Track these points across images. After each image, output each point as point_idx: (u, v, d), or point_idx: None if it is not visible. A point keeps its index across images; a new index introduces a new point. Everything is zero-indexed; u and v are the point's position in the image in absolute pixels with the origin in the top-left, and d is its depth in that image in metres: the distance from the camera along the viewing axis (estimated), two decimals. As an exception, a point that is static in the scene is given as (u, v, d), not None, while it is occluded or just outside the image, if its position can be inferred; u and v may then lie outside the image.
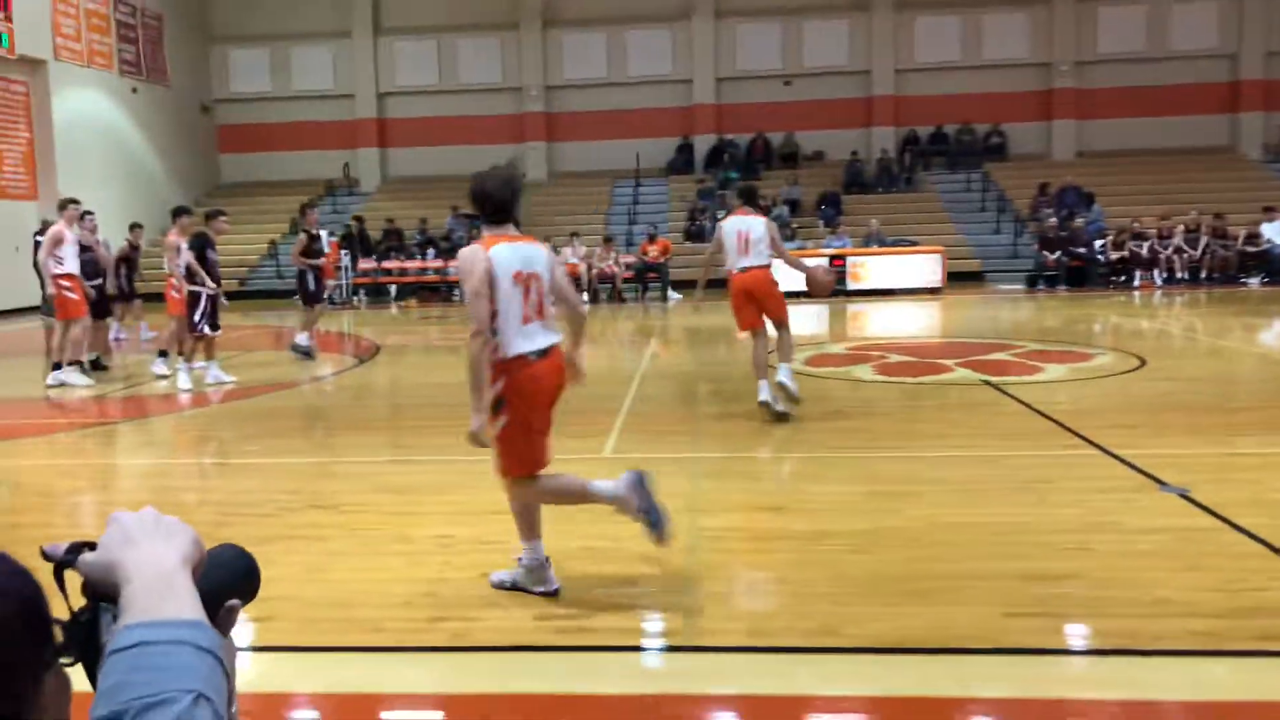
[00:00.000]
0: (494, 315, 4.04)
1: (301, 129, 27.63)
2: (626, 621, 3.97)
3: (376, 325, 17.13)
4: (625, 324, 16.83)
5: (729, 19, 26.57)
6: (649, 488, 4.18)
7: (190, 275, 10.43)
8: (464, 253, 4.21)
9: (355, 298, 21.63)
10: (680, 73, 26.87)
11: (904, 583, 4.25)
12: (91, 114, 22.47)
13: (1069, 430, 7.05)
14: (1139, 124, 25.68)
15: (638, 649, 3.81)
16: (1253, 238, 20.04)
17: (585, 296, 20.40)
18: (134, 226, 14.62)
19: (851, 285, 19.65)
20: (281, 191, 26.08)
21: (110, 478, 7.22)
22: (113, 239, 14.98)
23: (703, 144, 26.70)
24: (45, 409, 9.87)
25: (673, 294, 20.33)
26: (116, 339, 14.10)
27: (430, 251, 22.80)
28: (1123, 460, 6.12)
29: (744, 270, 7.80)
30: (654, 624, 4.01)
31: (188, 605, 0.82)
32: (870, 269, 19.94)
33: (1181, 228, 20.35)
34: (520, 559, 4.27)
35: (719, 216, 23.47)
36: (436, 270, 22.52)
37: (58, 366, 10.79)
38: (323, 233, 15.15)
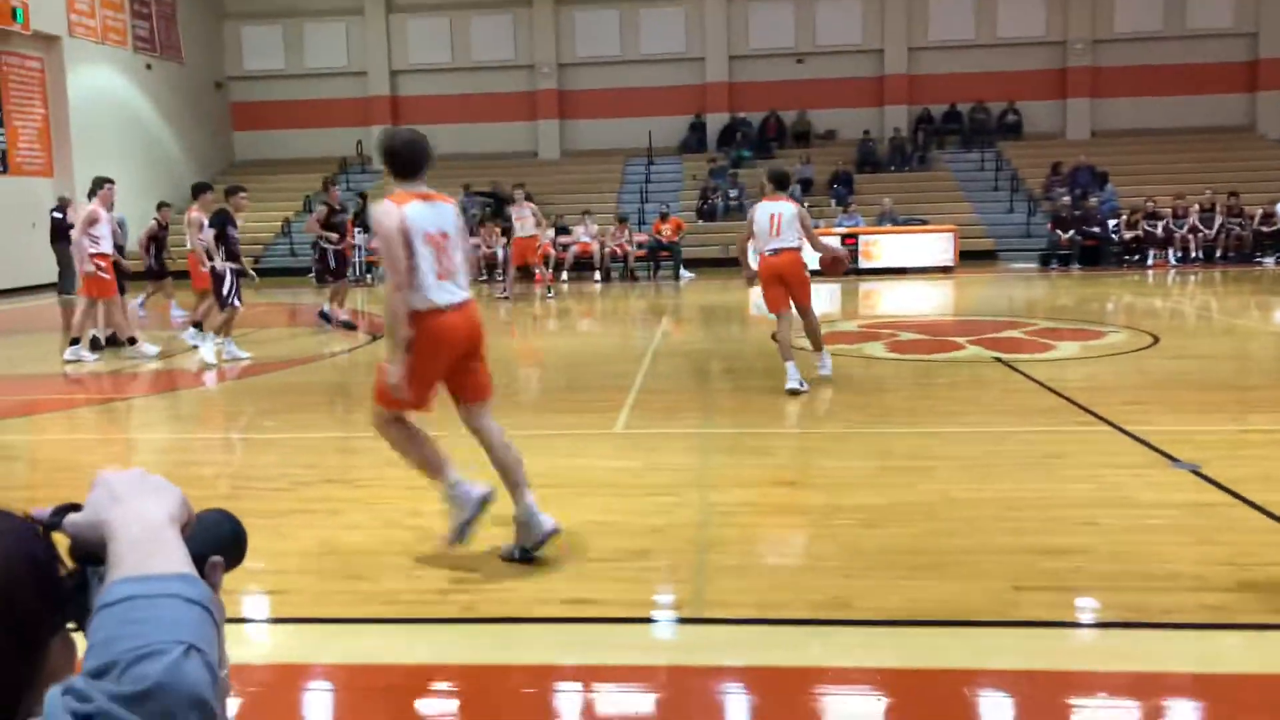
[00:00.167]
0: (411, 270, 4.09)
1: (315, 106, 27.62)
2: (636, 594, 3.99)
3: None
4: (638, 302, 16.83)
5: (742, -4, 26.42)
6: (480, 514, 4.28)
7: (207, 253, 10.48)
8: (377, 209, 4.23)
9: (369, 275, 21.67)
10: (693, 50, 26.74)
11: (915, 556, 4.27)
12: (106, 90, 22.50)
13: (1080, 407, 7.04)
14: (1154, 103, 25.45)
15: (648, 621, 3.84)
16: (1269, 217, 19.88)
17: (598, 275, 20.40)
18: (161, 205, 14.65)
19: (864, 264, 19.59)
20: (295, 169, 26.11)
21: (127, 452, 7.28)
22: (127, 216, 15.03)
23: (715, 122, 26.58)
24: (63, 384, 9.95)
25: (685, 273, 20.30)
26: (141, 317, 14.25)
27: (442, 230, 22.79)
28: (1134, 437, 6.11)
29: (775, 253, 7.99)
30: (664, 596, 4.04)
31: (176, 559, 0.81)
32: (882, 248, 19.88)
33: (1196, 207, 20.21)
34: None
35: (731, 195, 23.49)
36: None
37: (75, 342, 10.90)
38: (348, 208, 15.38)
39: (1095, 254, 20.03)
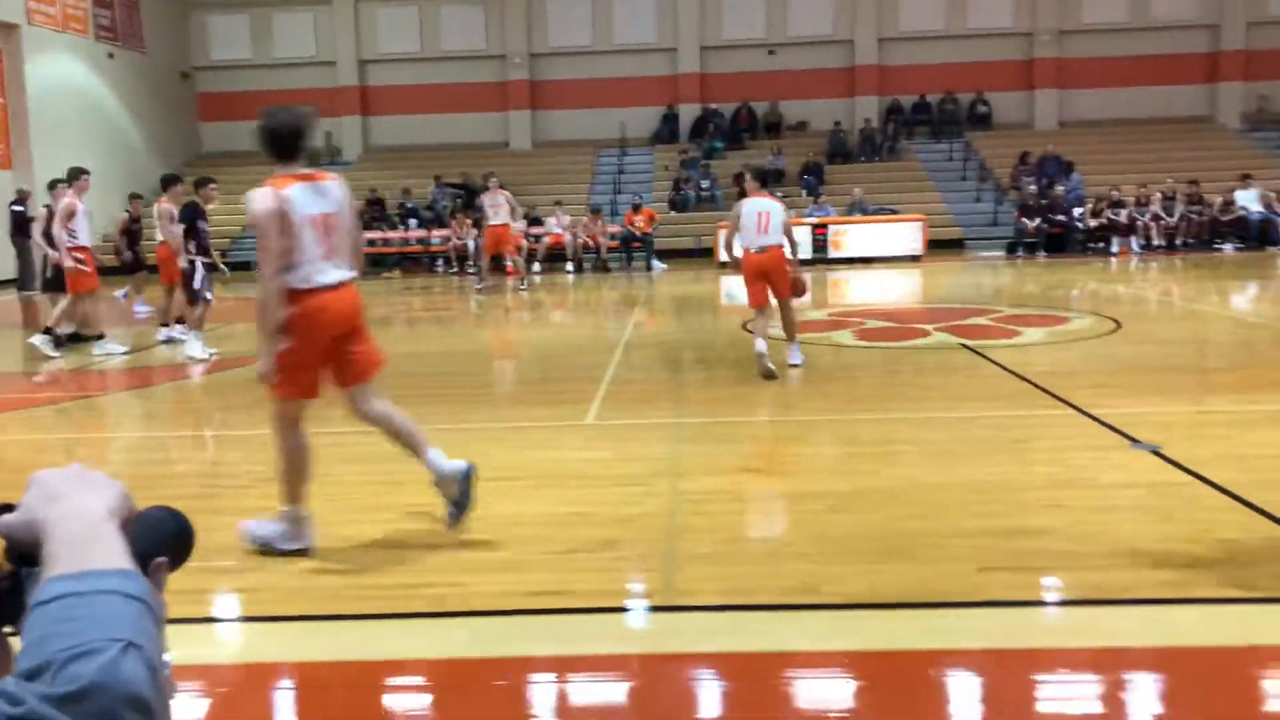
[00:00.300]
0: (290, 252, 4.05)
1: (283, 97, 27.07)
2: (607, 583, 4.01)
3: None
4: (610, 294, 16.84)
5: (713, -13, 26.42)
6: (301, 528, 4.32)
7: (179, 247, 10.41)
8: (254, 194, 4.17)
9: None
10: (665, 41, 26.71)
11: (882, 540, 4.32)
12: (67, 80, 22.17)
13: (1045, 391, 7.13)
14: (1120, 94, 25.71)
15: (619, 610, 3.86)
16: (1228, 205, 20.18)
17: (570, 266, 20.37)
18: (133, 197, 14.46)
19: (833, 254, 19.71)
20: (263, 161, 25.62)
21: (89, 450, 7.21)
22: (92, 208, 14.82)
23: (687, 113, 26.58)
24: (26, 383, 9.83)
25: (657, 264, 20.32)
26: (137, 310, 14.19)
27: (413, 221, 22.70)
28: (1097, 420, 6.20)
29: (762, 250, 8.19)
30: (635, 585, 4.06)
31: (114, 554, 0.79)
32: (851, 237, 19.99)
33: (1158, 195, 20.48)
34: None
35: (704, 186, 23.52)
36: (420, 240, 22.45)
37: (101, 337, 10.92)
38: None
39: (1061, 242, 20.26)
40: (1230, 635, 3.44)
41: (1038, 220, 20.30)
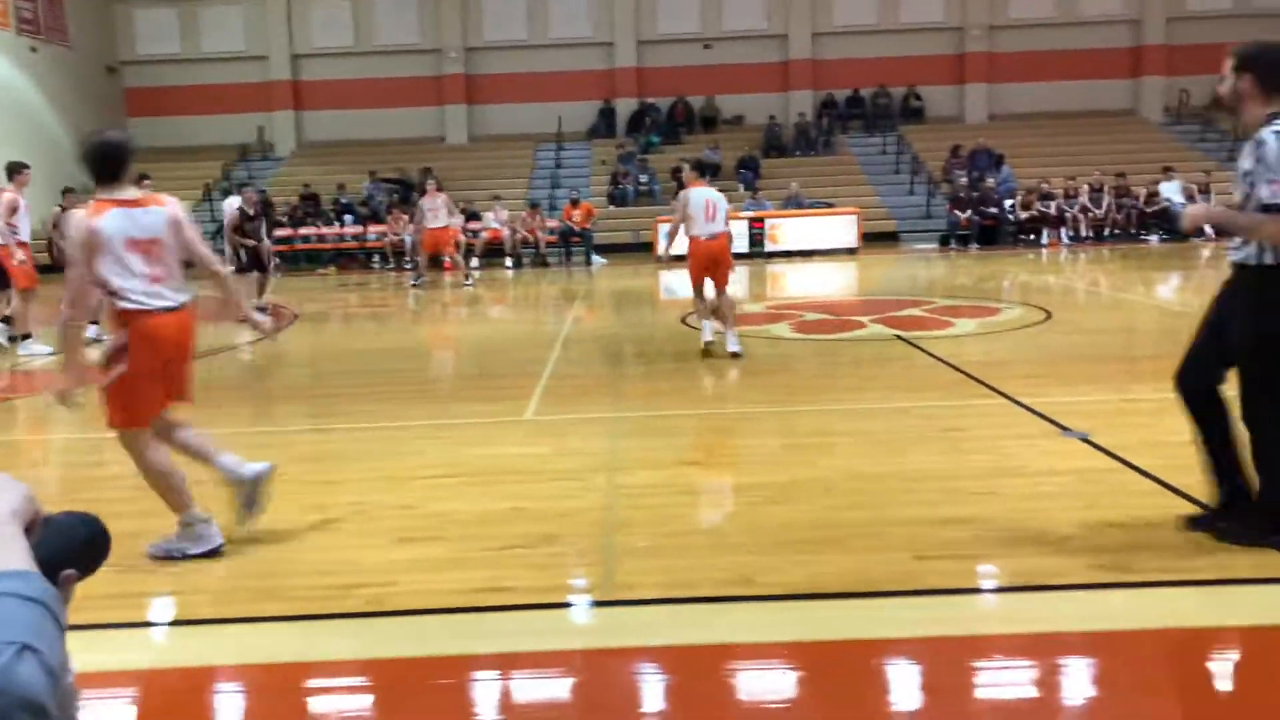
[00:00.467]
0: (107, 281, 4.08)
1: (213, 92, 26.76)
2: (547, 579, 3.98)
3: (294, 293, 16.79)
4: (549, 289, 16.77)
5: (648, -20, 26.42)
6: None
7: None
8: (71, 219, 4.26)
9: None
10: (601, 35, 26.66)
11: (818, 530, 4.35)
12: (-18, 73, 21.48)
13: (978, 381, 7.25)
14: (1047, 88, 26.23)
15: (559, 605, 3.84)
16: (1152, 197, 20.71)
17: (509, 261, 20.23)
18: (66, 191, 14.01)
19: (770, 247, 19.85)
20: (194, 157, 25.29)
21: (10, 454, 6.99)
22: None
23: (625, 108, 26.57)
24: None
25: (596, 259, 20.28)
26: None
27: (348, 218, 22.39)
28: (1029, 408, 6.32)
29: (712, 236, 8.63)
30: (574, 580, 4.04)
31: (12, 556, 0.77)
32: (788, 231, 20.15)
33: (1086, 187, 20.96)
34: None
35: (642, 180, 23.52)
36: (355, 237, 22.15)
37: (27, 337, 10.65)
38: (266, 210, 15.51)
39: (992, 234, 20.63)
40: (1158, 618, 3.53)
41: (969, 212, 20.65)
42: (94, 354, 4.61)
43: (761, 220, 20.03)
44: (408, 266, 18.32)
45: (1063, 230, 20.56)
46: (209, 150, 25.44)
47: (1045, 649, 3.33)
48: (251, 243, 13.44)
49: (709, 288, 8.79)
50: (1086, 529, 4.21)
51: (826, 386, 7.69)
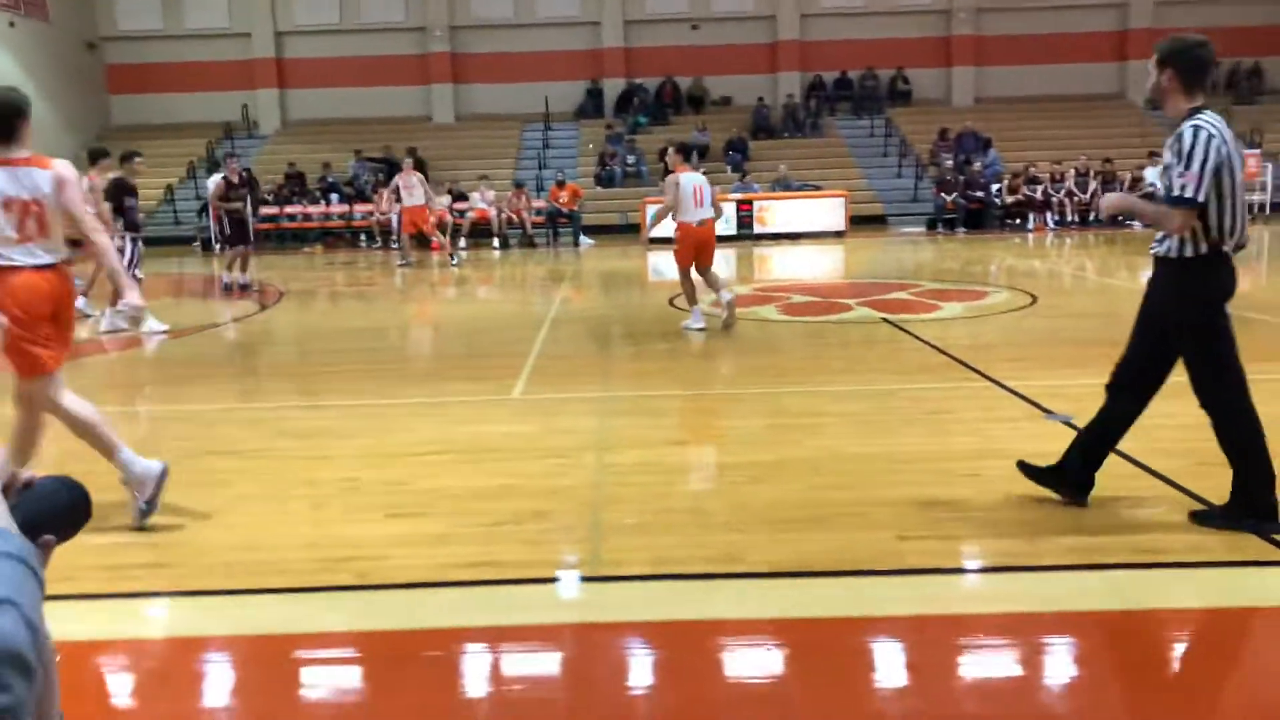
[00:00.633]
0: None
1: (196, 69, 26.53)
2: (535, 555, 4.02)
3: (280, 271, 16.73)
4: (536, 270, 16.75)
5: (636, -40, 26.29)
6: (162, 485, 4.38)
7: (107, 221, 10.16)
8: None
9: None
10: (589, 15, 26.54)
11: (804, 510, 4.40)
12: (-39, 49, 21.24)
13: (964, 364, 7.31)
14: (1034, 71, 26.28)
15: (547, 581, 3.88)
16: (1137, 181, 20.80)
17: (496, 242, 20.20)
18: None
19: (758, 229, 19.88)
20: (177, 135, 25.11)
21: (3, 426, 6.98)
22: None
23: (612, 88, 26.48)
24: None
25: (585, 239, 20.26)
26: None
27: (334, 196, 22.29)
28: (1013, 391, 6.38)
29: (702, 223, 8.88)
30: (562, 556, 4.08)
31: None
32: (775, 213, 20.18)
33: (1072, 172, 21.03)
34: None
35: (629, 162, 23.48)
36: (341, 216, 22.06)
37: None
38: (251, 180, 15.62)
39: (979, 218, 20.70)
40: (1136, 600, 3.59)
41: (954, 195, 20.71)
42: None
43: (750, 203, 20.04)
44: (394, 246, 18.26)
45: (1049, 215, 20.65)
46: (193, 128, 25.25)
47: (1025, 628, 3.39)
48: (237, 206, 13.46)
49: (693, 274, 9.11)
50: (1067, 511, 4.27)
51: (814, 368, 7.74)
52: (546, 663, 3.28)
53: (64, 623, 3.32)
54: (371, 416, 6.42)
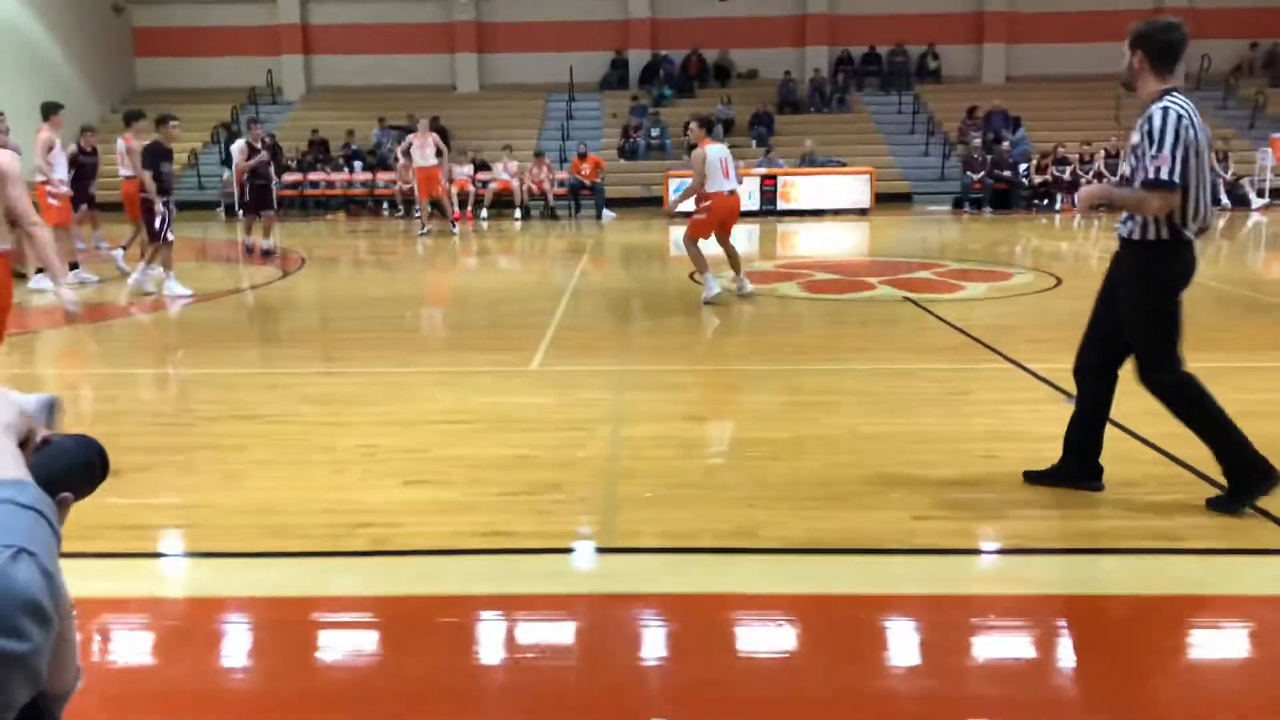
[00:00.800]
0: None
1: (222, 34, 26.53)
2: (549, 525, 4.04)
3: (303, 238, 16.79)
4: (557, 241, 16.73)
5: (665, -70, 26.04)
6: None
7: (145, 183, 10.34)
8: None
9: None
10: (615, -16, 26.35)
11: (819, 487, 4.39)
12: (-8, 12, 21.31)
13: (985, 345, 7.26)
14: (1066, 49, 25.90)
15: (561, 551, 3.90)
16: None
17: (518, 213, 20.18)
18: (85, 130, 14.03)
19: (781, 205, 19.76)
20: (202, 99, 25.14)
21: (28, 388, 7.05)
22: (21, 143, 14.34)
23: (637, 59, 26.30)
24: None
25: (607, 212, 20.19)
26: (96, 246, 13.99)
27: (357, 164, 22.30)
28: (1034, 374, 6.33)
29: (732, 193, 9.13)
30: (576, 528, 4.09)
31: (6, 465, 0.78)
32: (800, 189, 20.04)
33: (1102, 153, 20.76)
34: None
35: (653, 134, 23.35)
36: (364, 184, 22.08)
37: (74, 267, 11.09)
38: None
39: (1005, 198, 20.49)
40: (1154, 585, 3.57)
41: (981, 174, 20.50)
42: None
43: (774, 178, 19.91)
44: (416, 215, 18.27)
45: (1076, 196, 20.42)
46: (217, 93, 25.29)
47: (1038, 611, 3.38)
48: (260, 165, 13.63)
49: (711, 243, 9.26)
50: (1084, 495, 4.25)
51: (834, 346, 7.71)
52: (559, 632, 3.30)
53: (84, 580, 3.37)
54: (391, 384, 6.45)
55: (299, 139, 23.03)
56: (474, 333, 8.89)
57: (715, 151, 9.00)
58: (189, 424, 5.58)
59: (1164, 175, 3.81)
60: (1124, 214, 4.06)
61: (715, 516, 4.08)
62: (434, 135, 16.76)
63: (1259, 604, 3.42)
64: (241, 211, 14.56)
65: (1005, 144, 21.13)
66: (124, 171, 11.75)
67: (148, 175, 10.10)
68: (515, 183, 20.34)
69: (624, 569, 3.73)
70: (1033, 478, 4.38)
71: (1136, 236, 4.00)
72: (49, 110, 11.07)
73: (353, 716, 2.79)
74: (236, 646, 3.27)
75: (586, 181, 20.53)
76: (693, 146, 9.39)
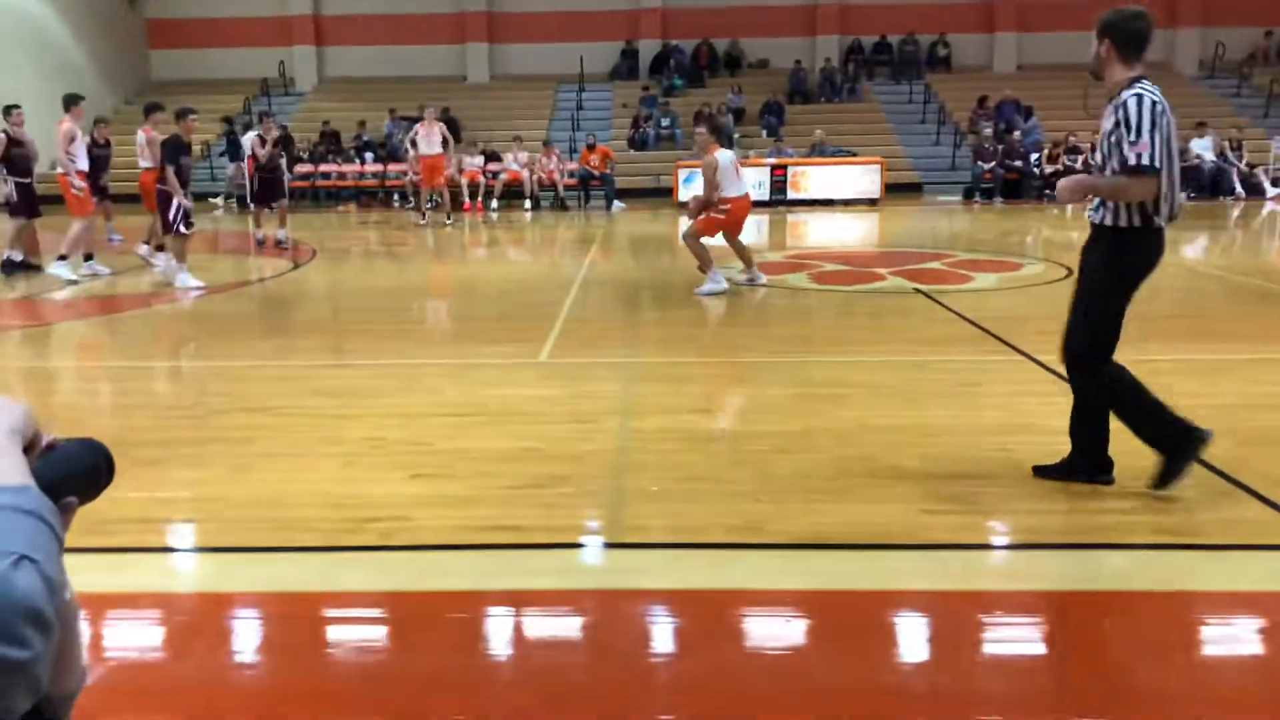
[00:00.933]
0: None
1: (235, 25, 26.57)
2: (556, 519, 4.04)
3: (314, 230, 16.81)
4: (566, 232, 16.72)
5: (675, -81, 25.93)
6: None
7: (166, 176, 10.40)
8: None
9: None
10: (625, -26, 26.27)
11: (829, 481, 4.38)
12: (5, 3, 21.37)
13: (996, 337, 7.22)
14: (1079, 38, 25.48)
15: (568, 545, 3.89)
16: (1183, 154, 20.37)
17: (528, 204, 20.18)
18: (99, 122, 14.09)
19: (791, 195, 19.70)
20: (215, 90, 25.16)
21: (40, 381, 7.09)
22: (35, 135, 14.39)
23: (647, 49, 26.23)
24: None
25: (617, 203, 20.16)
26: (109, 239, 14.09)
27: (368, 155, 22.31)
28: (1046, 366, 6.29)
29: (744, 195, 9.46)
30: (583, 522, 4.09)
31: (9, 470, 0.77)
32: (810, 179, 19.97)
33: (1116, 142, 20.61)
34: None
35: (664, 125, 23.29)
36: (375, 175, 22.09)
37: (89, 258, 11.28)
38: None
39: (1016, 188, 20.38)
40: (1160, 581, 3.55)
41: (992, 164, 20.39)
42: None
43: (784, 168, 19.85)
44: (429, 206, 18.29)
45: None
46: (230, 84, 25.32)
47: (1045, 607, 3.36)
48: (272, 157, 13.73)
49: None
50: (1094, 490, 4.22)
51: (843, 338, 7.68)
52: (565, 627, 3.30)
53: (92, 575, 3.38)
54: (399, 376, 6.46)
55: (311, 130, 23.05)
56: (483, 324, 8.89)
57: (726, 156, 9.28)
58: (200, 416, 5.60)
59: (1145, 160, 3.82)
60: (1095, 201, 4.06)
61: (723, 510, 4.07)
62: (440, 125, 16.76)
63: (1269, 599, 3.40)
64: (253, 204, 14.61)
65: (1016, 133, 21.01)
66: (144, 163, 11.80)
67: (170, 169, 10.14)
68: (525, 173, 20.33)
69: (631, 564, 3.72)
70: (1041, 472, 4.35)
71: (1109, 223, 4.04)
72: (70, 101, 11.12)
73: (361, 711, 2.79)
74: (246, 641, 3.28)
75: (596, 172, 20.50)
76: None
